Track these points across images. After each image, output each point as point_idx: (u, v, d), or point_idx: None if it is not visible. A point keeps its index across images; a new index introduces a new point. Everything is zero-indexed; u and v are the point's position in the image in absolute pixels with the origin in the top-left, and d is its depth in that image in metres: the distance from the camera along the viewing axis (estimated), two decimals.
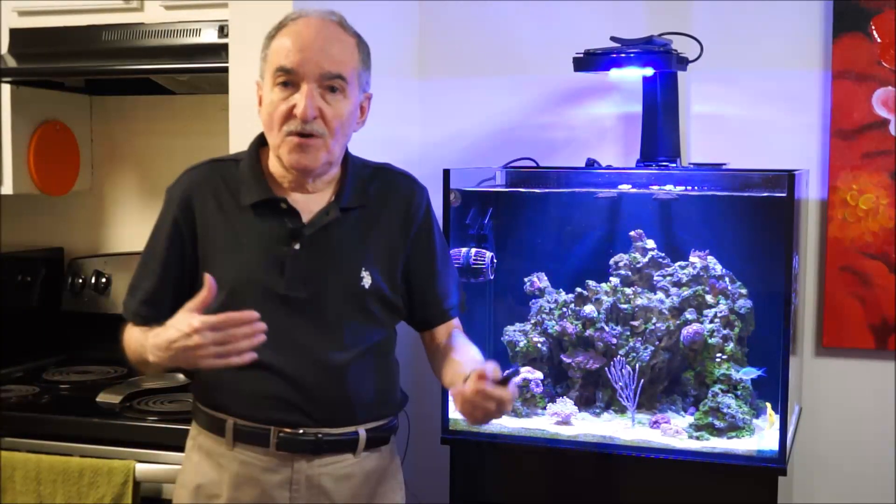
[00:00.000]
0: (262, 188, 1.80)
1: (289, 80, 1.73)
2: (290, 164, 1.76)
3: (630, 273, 2.47)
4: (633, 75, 2.49)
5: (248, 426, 1.78)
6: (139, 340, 1.77)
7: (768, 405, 2.28)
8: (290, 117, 1.73)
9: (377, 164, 1.93)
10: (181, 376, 2.42)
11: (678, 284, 2.43)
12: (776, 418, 2.25)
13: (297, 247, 1.77)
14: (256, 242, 1.79)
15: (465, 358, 1.85)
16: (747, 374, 2.31)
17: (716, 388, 2.29)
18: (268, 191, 1.80)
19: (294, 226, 1.78)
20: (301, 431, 1.77)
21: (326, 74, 1.74)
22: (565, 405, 2.39)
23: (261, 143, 1.86)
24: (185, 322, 1.60)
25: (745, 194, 2.37)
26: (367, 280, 1.81)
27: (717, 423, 2.26)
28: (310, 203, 1.81)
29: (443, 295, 1.96)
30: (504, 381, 1.66)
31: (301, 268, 1.77)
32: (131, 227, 3.03)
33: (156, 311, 1.82)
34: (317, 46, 1.74)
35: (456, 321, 2.01)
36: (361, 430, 1.82)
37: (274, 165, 1.82)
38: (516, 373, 1.68)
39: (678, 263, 2.45)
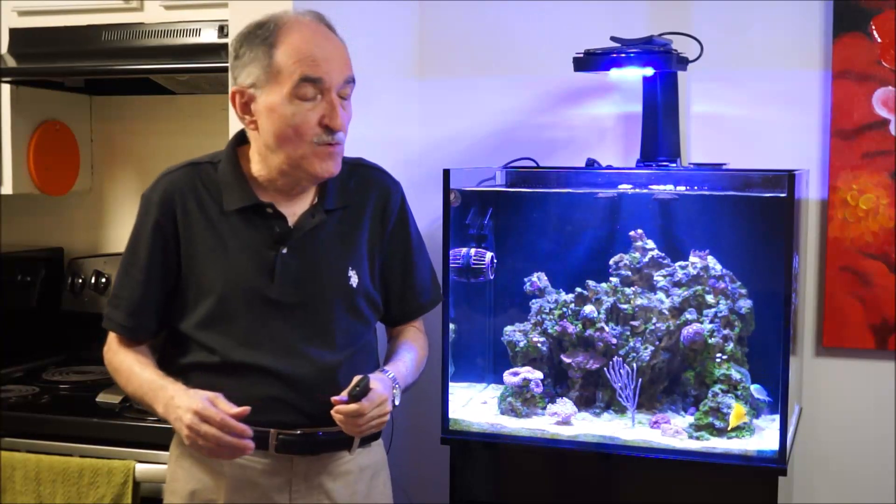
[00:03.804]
0: (246, 193, 1.78)
1: (313, 89, 1.71)
2: (320, 173, 1.74)
3: (630, 273, 2.47)
4: (633, 75, 2.49)
5: None
6: (142, 382, 1.76)
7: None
8: (319, 128, 1.71)
9: (352, 161, 1.91)
10: None
11: (678, 284, 2.43)
12: (741, 406, 2.25)
13: (285, 251, 1.77)
14: (244, 247, 1.77)
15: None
16: (758, 392, 2.35)
17: (716, 388, 2.29)
18: (253, 196, 1.78)
19: (282, 230, 1.77)
20: (299, 432, 1.77)
21: (346, 79, 1.74)
22: (565, 405, 2.39)
23: (236, 144, 1.83)
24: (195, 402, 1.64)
25: (745, 194, 2.37)
26: (354, 279, 1.82)
27: (717, 423, 2.26)
28: (292, 206, 1.80)
29: (420, 290, 1.97)
30: (354, 398, 1.70)
31: (291, 271, 1.77)
32: (131, 228, 3.02)
33: (142, 321, 1.80)
34: (335, 53, 1.73)
35: (419, 319, 2.02)
36: None
37: (259, 169, 1.79)
38: (361, 386, 1.71)
39: (678, 263, 2.45)
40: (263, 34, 1.72)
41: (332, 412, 1.71)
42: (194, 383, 1.80)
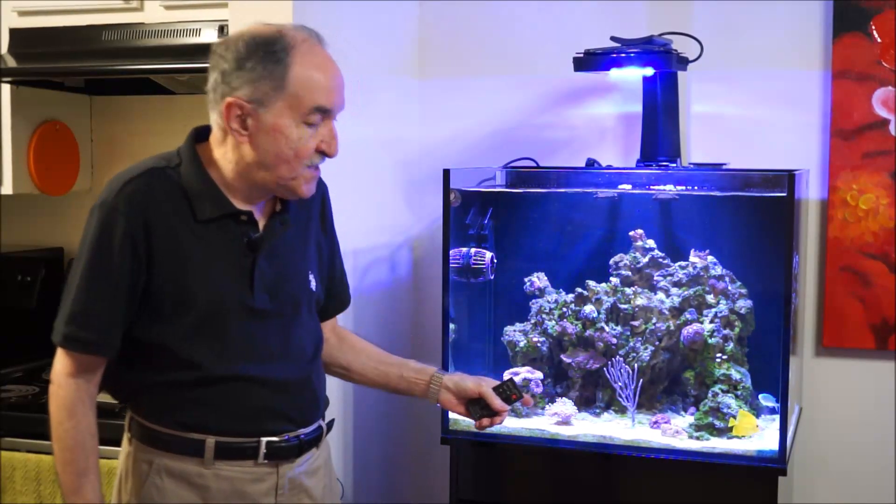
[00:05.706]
0: (221, 201, 1.74)
1: (320, 116, 1.70)
2: (303, 195, 1.74)
3: (630, 273, 2.47)
4: (633, 75, 2.49)
5: (233, 442, 1.74)
6: (77, 454, 1.78)
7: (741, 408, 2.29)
8: (315, 153, 1.71)
9: None
10: None
11: (678, 284, 2.43)
12: (751, 417, 2.25)
13: (260, 258, 1.76)
14: (221, 256, 1.74)
15: (395, 358, 2.03)
16: (766, 399, 2.35)
17: (716, 388, 2.29)
18: (229, 204, 1.74)
19: (255, 237, 1.76)
20: (285, 437, 1.78)
21: (343, 106, 1.75)
22: (565, 405, 2.39)
23: (195, 144, 1.80)
24: None
25: (745, 194, 2.37)
26: (313, 283, 1.84)
27: (717, 423, 2.26)
28: (258, 211, 1.79)
29: (344, 285, 2.01)
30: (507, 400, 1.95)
31: (266, 279, 1.76)
32: None
33: (111, 338, 1.73)
34: (341, 82, 1.73)
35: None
36: (322, 423, 1.87)
37: (232, 178, 1.74)
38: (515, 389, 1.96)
39: (678, 263, 2.45)
40: (278, 54, 1.68)
41: (497, 419, 1.94)
42: (173, 398, 1.75)
